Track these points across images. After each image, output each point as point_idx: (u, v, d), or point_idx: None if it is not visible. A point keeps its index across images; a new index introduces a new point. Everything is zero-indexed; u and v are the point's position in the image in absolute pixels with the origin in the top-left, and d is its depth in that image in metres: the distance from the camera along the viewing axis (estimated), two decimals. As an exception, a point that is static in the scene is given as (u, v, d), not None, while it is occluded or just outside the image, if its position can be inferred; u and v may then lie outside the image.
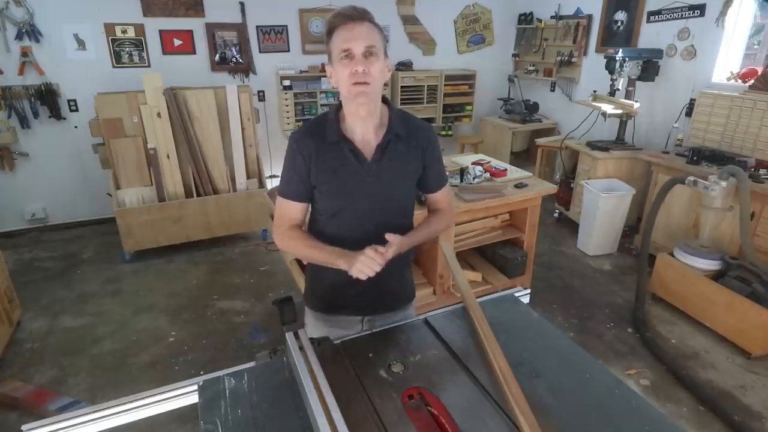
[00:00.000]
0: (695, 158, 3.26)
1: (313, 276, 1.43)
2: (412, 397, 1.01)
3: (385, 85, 1.21)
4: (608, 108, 3.78)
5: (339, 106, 1.27)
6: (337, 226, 1.31)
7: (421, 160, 1.32)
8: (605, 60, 3.83)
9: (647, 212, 3.36)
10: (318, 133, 1.25)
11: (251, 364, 1.16)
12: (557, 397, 1.03)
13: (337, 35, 1.14)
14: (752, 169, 3.00)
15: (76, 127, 4.12)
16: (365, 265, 1.14)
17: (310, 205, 1.34)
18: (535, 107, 5.30)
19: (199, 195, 3.82)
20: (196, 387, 1.08)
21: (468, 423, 0.95)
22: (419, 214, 1.43)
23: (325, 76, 4.34)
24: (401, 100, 5.12)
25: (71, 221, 4.40)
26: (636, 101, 3.80)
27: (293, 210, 1.31)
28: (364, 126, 1.24)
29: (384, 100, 1.27)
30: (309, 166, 1.25)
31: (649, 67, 3.85)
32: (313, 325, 1.44)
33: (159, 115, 3.56)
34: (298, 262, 2.70)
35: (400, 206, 1.35)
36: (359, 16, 1.14)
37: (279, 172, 1.40)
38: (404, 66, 5.16)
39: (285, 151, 1.29)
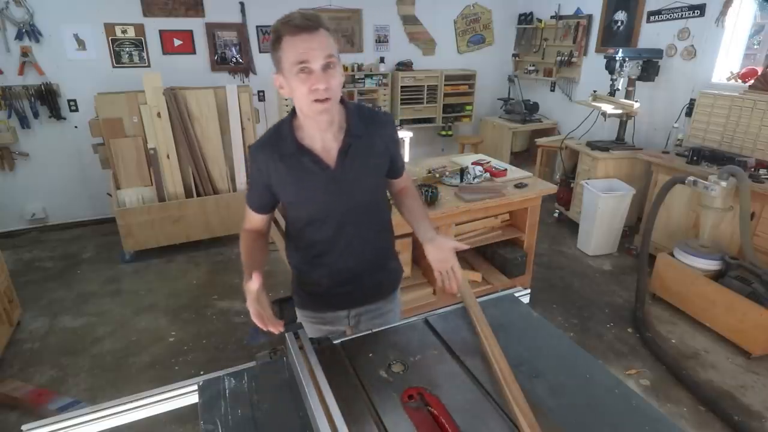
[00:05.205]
0: (695, 158, 3.26)
1: (299, 275, 1.43)
2: (412, 398, 1.01)
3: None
4: (608, 108, 3.78)
5: (293, 114, 1.20)
6: (313, 233, 1.30)
7: (387, 154, 1.30)
8: (605, 60, 3.83)
9: (647, 212, 3.36)
10: (275, 146, 1.20)
11: (251, 364, 1.15)
12: (557, 397, 1.03)
13: (289, 46, 1.04)
14: (752, 169, 3.00)
15: (76, 127, 4.12)
16: (253, 315, 1.06)
17: (270, 215, 1.35)
18: (535, 107, 5.30)
19: (199, 195, 3.82)
20: (196, 387, 1.08)
21: (468, 423, 0.95)
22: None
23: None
24: (401, 100, 5.13)
25: (71, 221, 4.40)
26: (636, 101, 3.80)
27: (253, 219, 1.33)
28: (323, 134, 1.19)
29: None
30: (269, 181, 1.23)
31: (649, 67, 3.86)
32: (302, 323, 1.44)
33: (159, 115, 3.56)
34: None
35: (373, 204, 1.35)
36: (313, 25, 1.03)
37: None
38: (404, 66, 5.16)
39: None
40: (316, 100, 1.07)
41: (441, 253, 1.24)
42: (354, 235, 1.30)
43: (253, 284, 1.06)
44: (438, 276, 1.26)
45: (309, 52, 1.03)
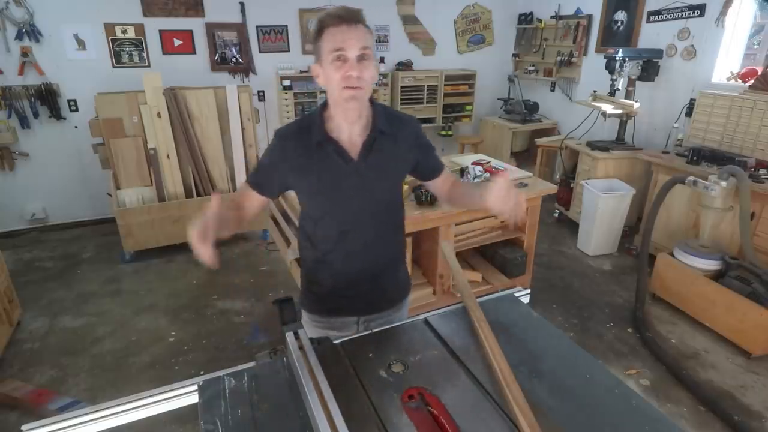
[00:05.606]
0: (695, 158, 3.26)
1: (309, 278, 1.43)
2: (412, 398, 1.01)
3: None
4: (608, 108, 3.78)
5: (324, 105, 1.25)
6: (329, 228, 1.30)
7: (410, 155, 1.31)
8: (605, 60, 3.83)
9: (647, 212, 3.36)
10: (304, 134, 1.23)
11: (251, 364, 1.15)
12: (557, 397, 1.03)
13: (329, 36, 1.10)
14: (752, 169, 3.00)
15: (76, 127, 4.12)
16: (193, 232, 1.03)
17: (266, 201, 1.35)
18: (535, 107, 5.30)
19: (199, 195, 3.82)
20: (196, 387, 1.08)
21: (468, 423, 0.94)
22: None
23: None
24: (401, 100, 5.12)
25: (71, 221, 4.40)
26: (636, 101, 3.80)
27: (248, 196, 1.32)
28: (351, 127, 1.22)
29: None
30: (288, 166, 1.24)
31: (649, 67, 3.86)
32: (309, 328, 1.44)
33: (159, 115, 3.56)
34: (298, 261, 2.69)
35: (392, 203, 1.35)
36: (353, 18, 1.11)
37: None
38: (404, 66, 5.16)
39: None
40: (347, 87, 1.11)
41: (500, 191, 1.13)
42: (369, 232, 1.30)
43: (213, 201, 1.07)
44: (508, 213, 1.14)
45: (347, 41, 1.09)
